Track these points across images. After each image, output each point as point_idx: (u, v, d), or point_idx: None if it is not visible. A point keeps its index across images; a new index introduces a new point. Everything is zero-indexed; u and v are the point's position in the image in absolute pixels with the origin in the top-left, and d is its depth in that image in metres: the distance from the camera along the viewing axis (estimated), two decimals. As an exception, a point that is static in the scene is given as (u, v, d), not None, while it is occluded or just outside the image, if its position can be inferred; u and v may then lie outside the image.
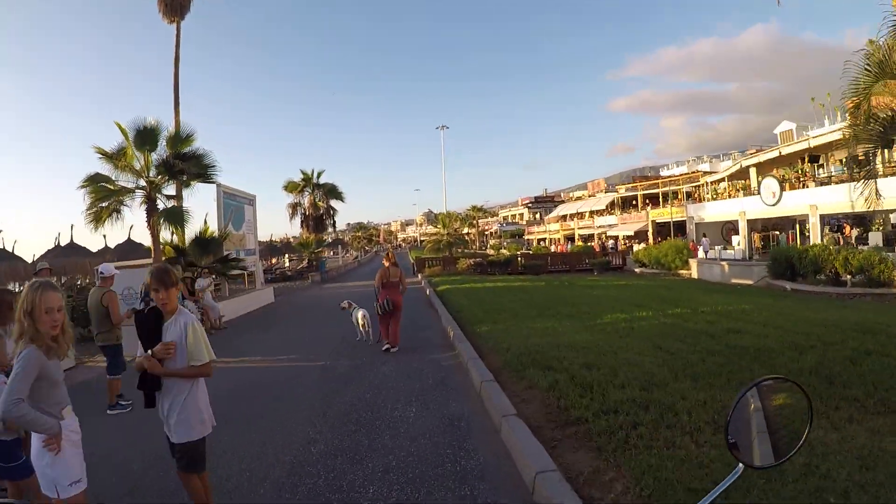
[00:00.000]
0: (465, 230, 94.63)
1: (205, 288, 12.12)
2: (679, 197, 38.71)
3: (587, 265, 29.35)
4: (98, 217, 11.67)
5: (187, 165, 12.08)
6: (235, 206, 16.29)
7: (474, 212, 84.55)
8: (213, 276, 14.32)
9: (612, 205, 48.51)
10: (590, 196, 60.11)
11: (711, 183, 34.31)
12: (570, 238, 52.09)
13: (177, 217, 11.68)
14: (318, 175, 31.98)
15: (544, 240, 59.81)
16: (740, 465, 1.22)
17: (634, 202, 45.71)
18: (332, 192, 32.23)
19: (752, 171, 28.42)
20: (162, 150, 12.44)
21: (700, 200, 35.11)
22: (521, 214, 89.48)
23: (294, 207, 31.84)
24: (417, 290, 20.43)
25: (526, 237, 67.51)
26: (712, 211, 30.90)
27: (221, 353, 9.20)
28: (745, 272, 21.03)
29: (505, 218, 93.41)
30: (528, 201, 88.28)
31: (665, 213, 38.58)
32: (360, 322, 9.70)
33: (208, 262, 14.07)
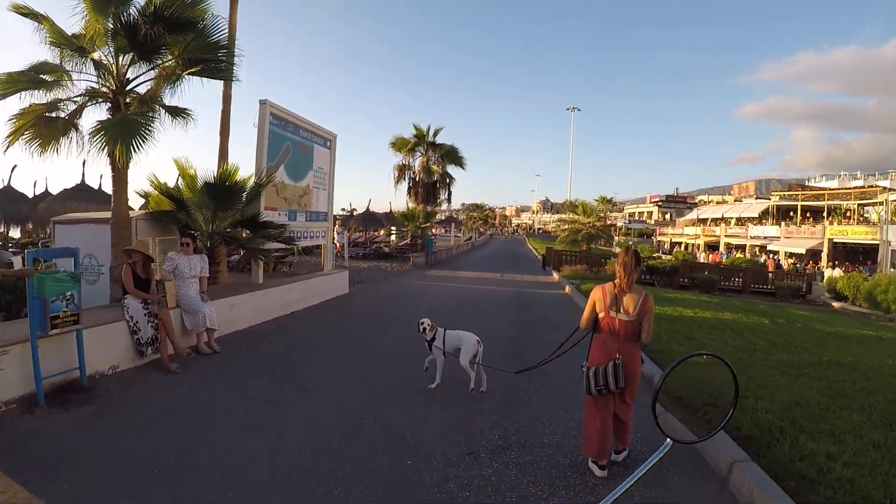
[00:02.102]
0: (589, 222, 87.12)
1: (187, 275, 6.23)
2: (848, 215, 33.99)
3: (765, 287, 21.94)
4: (17, 132, 6.21)
5: (171, 37, 6.16)
6: (298, 142, 10.42)
7: (602, 204, 77.21)
8: (228, 252, 8.57)
9: (765, 213, 41.69)
10: (735, 200, 53.65)
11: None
12: (713, 246, 44.77)
13: (128, 129, 5.72)
14: (435, 133, 25.76)
15: (679, 244, 52.25)
16: (668, 440, 1.17)
17: (792, 214, 38.92)
18: (451, 155, 25.83)
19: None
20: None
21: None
22: (650, 213, 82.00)
23: (401, 170, 25.95)
24: (560, 299, 13.63)
25: (657, 238, 59.70)
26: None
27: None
28: None
29: (631, 214, 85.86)
30: (657, 199, 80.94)
31: (849, 232, 31.09)
32: (468, 355, 5.08)
33: (224, 227, 8.28)
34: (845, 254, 31.94)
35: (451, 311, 10.40)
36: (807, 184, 48.33)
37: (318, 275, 11.13)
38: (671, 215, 72.07)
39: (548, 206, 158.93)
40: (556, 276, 19.39)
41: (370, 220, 26.42)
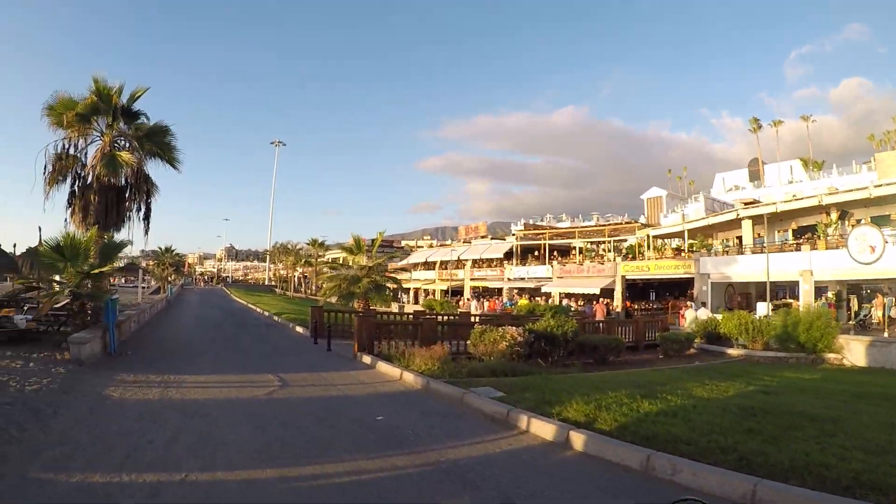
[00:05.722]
0: (300, 270, 78.32)
1: None
2: (602, 252, 34.07)
3: (630, 341, 16.22)
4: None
5: None
6: None
7: (315, 248, 71.04)
8: None
9: (509, 254, 39.84)
10: (464, 242, 52.07)
11: (655, 237, 30.99)
12: (456, 291, 42.45)
13: None
14: (133, 97, 13.24)
15: (407, 290, 49.75)
16: None
17: (537, 253, 38.24)
18: (156, 138, 13.42)
19: (747, 224, 25.31)
20: None
21: (639, 256, 29.94)
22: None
23: (59, 163, 12.33)
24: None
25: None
26: (749, 268, 22.82)
27: None
28: None
29: (335, 259, 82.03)
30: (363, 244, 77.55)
31: (645, 268, 28.93)
32: None
33: None
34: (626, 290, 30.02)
35: None
36: (538, 224, 50.79)
37: None
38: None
39: (232, 254, 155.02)
40: (396, 370, 9.89)
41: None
